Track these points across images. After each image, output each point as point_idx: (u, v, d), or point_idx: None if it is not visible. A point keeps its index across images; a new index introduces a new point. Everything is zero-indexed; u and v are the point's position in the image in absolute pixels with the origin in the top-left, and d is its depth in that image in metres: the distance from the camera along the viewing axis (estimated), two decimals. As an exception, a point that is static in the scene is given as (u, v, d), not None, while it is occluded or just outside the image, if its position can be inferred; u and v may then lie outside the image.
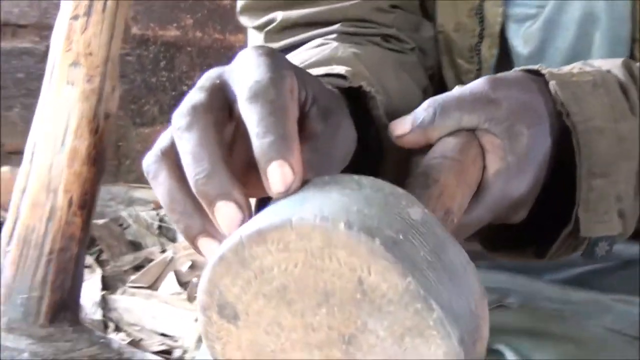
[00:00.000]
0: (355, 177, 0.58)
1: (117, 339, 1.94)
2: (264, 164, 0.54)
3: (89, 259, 2.41)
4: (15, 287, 0.94)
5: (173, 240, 2.59)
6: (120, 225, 2.62)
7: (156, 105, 2.90)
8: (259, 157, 0.54)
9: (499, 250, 0.85)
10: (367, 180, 0.58)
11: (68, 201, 0.96)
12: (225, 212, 0.55)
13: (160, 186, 0.55)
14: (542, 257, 0.78)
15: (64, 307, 0.97)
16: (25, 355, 0.89)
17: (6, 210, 2.84)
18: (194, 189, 0.53)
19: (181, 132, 0.54)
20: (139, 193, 2.73)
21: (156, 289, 2.25)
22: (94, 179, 0.99)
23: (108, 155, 1.01)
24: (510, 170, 0.71)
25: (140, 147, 2.83)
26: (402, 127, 0.68)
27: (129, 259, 2.45)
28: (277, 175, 0.55)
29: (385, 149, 0.76)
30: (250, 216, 0.54)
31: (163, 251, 2.47)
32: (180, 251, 2.47)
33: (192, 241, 0.55)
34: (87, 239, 1.01)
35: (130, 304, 2.17)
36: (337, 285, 0.55)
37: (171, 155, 0.54)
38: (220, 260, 0.54)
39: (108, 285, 2.28)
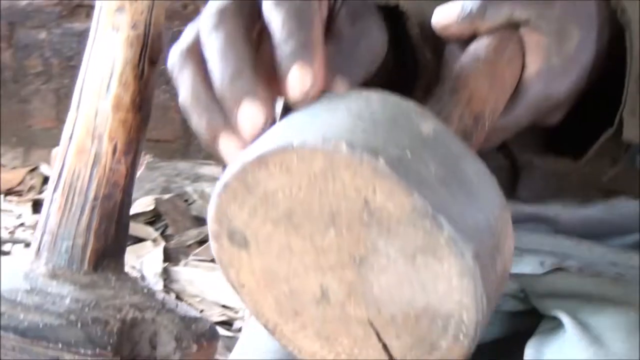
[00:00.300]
0: (364, 92, 0.55)
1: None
2: (283, 70, 0.53)
3: (154, 233, 2.42)
4: (59, 233, 0.94)
5: (237, 215, 2.57)
6: (186, 200, 2.63)
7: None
8: (280, 62, 0.52)
9: (532, 153, 0.82)
10: (376, 96, 0.55)
11: (112, 148, 0.95)
12: (249, 112, 0.53)
13: (184, 82, 0.54)
14: (578, 159, 0.76)
15: (107, 255, 0.96)
16: (67, 301, 0.88)
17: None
18: (219, 88, 0.52)
19: (209, 31, 0.53)
20: (205, 169, 2.73)
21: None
22: (139, 126, 0.98)
23: (151, 104, 1.00)
24: (553, 72, 0.69)
25: (208, 126, 2.83)
26: (447, 17, 0.65)
27: (193, 234, 2.46)
28: (296, 81, 0.54)
29: (421, 71, 0.73)
30: (274, 122, 0.53)
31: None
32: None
33: (214, 141, 0.54)
34: (131, 187, 1.00)
35: (192, 275, 2.18)
36: (343, 207, 0.53)
37: (196, 53, 0.53)
38: (225, 188, 0.53)
39: (171, 257, 2.29)
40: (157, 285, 2.10)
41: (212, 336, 1.00)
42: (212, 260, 2.28)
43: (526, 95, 0.72)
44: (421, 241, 0.52)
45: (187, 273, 2.19)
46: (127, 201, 1.00)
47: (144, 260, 2.20)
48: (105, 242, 0.97)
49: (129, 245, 2.35)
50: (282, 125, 0.53)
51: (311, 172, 0.52)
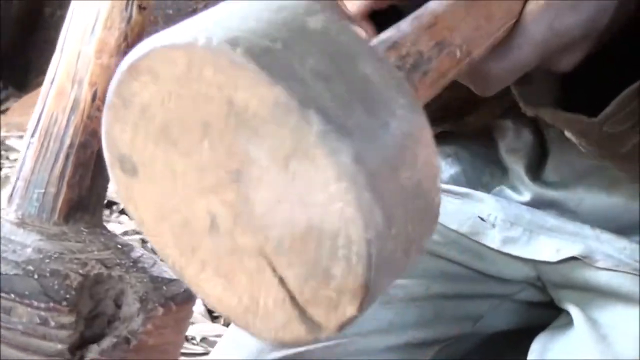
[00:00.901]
0: None
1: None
2: None
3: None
4: (32, 180, 0.90)
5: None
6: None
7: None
8: None
9: (541, 106, 0.73)
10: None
11: (92, 94, 0.90)
12: None
13: None
14: (594, 116, 0.69)
15: (81, 206, 0.91)
16: (29, 250, 0.84)
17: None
18: None
19: None
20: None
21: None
22: (123, 74, 0.93)
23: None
24: (562, 3, 0.62)
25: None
26: None
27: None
28: None
29: None
30: None
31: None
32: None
33: None
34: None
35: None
36: (211, 111, 0.47)
37: None
38: (108, 107, 0.51)
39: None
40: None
41: (185, 300, 0.95)
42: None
43: (528, 30, 0.64)
44: (290, 142, 0.45)
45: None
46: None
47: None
48: (79, 193, 0.93)
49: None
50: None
51: (175, 75, 0.48)
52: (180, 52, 0.47)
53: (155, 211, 0.52)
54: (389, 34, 0.56)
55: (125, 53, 0.94)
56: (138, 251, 0.98)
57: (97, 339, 0.92)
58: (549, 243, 1.12)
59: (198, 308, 1.83)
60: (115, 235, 0.98)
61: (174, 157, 0.50)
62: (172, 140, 0.50)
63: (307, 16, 0.48)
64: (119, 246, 0.95)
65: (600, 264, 1.09)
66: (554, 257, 1.11)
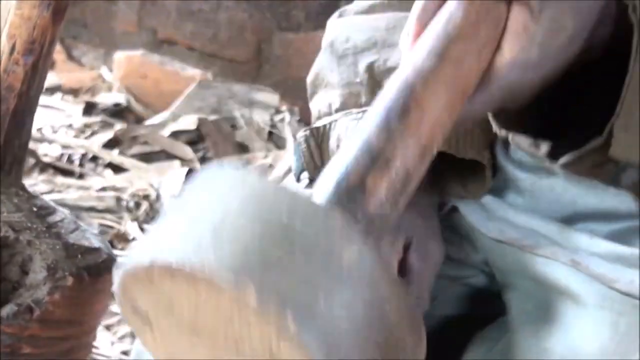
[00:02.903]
0: (291, 202, 0.55)
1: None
2: None
3: (191, 154, 2.35)
4: (-55, 134, 0.84)
5: (281, 148, 2.49)
6: (233, 126, 2.54)
7: (303, 11, 2.79)
8: None
9: (511, 129, 0.77)
10: (303, 207, 0.55)
11: (10, 46, 0.85)
12: None
13: None
14: (555, 158, 0.73)
15: (-6, 165, 0.86)
16: None
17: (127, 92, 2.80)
18: None
19: None
20: (260, 96, 2.63)
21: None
22: (46, 25, 0.88)
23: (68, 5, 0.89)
24: (530, 62, 0.66)
25: (281, 52, 2.74)
26: None
27: (231, 160, 2.38)
28: None
29: None
30: None
31: (266, 157, 2.38)
32: (281, 159, 2.38)
33: None
34: (33, 95, 0.90)
35: (213, 202, 2.09)
36: (247, 342, 0.55)
37: None
38: (131, 270, 0.57)
39: (195, 181, 2.20)
40: (171, 207, 2.02)
41: (102, 270, 0.90)
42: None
43: (494, 84, 0.67)
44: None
45: (208, 199, 2.10)
46: (25, 110, 0.90)
47: (163, 179, 2.13)
48: (-9, 151, 0.87)
49: (155, 162, 2.30)
50: (202, 235, 0.55)
51: (218, 302, 0.54)
52: (227, 294, 0.53)
53: (163, 351, 0.62)
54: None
55: (50, 5, 0.89)
56: (58, 215, 0.93)
57: (-1, 305, 0.87)
58: (495, 225, 1.11)
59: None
60: (34, 197, 0.93)
61: (195, 340, 0.58)
62: (197, 331, 0.57)
63: (340, 249, 0.55)
64: (35, 209, 0.90)
65: (538, 252, 1.08)
66: (498, 237, 1.10)
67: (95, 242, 0.94)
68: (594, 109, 0.76)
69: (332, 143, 1.26)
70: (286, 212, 0.55)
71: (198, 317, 0.57)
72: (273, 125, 2.48)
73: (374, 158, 0.65)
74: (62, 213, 0.94)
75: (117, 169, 2.25)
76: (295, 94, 2.60)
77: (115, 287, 0.61)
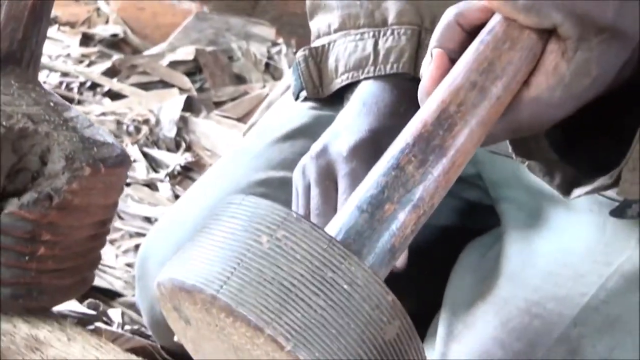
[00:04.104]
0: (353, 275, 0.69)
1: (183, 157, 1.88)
2: None
3: (188, 83, 2.37)
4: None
5: (278, 79, 2.50)
6: (230, 57, 2.56)
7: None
8: None
9: (524, 156, 0.79)
10: (363, 281, 0.68)
11: (29, -57, 0.87)
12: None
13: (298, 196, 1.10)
14: (566, 193, 0.77)
15: (12, 59, 0.89)
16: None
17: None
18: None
19: (314, 184, 1.08)
20: (257, 29, 2.64)
21: (244, 123, 2.19)
22: None
23: None
24: (551, 103, 0.68)
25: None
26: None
27: (228, 91, 2.39)
28: None
29: None
30: None
31: (264, 87, 2.40)
32: (278, 90, 2.40)
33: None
34: (50, -6, 0.92)
35: (211, 129, 2.12)
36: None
37: (307, 189, 1.08)
38: (170, 281, 0.69)
39: (194, 108, 2.23)
40: (171, 132, 2.05)
41: (116, 164, 0.93)
42: (237, 119, 2.22)
43: (514, 116, 0.69)
44: None
45: (206, 126, 2.13)
46: (43, 6, 0.92)
47: (163, 105, 2.15)
48: (10, 45, 0.90)
49: (154, 90, 2.32)
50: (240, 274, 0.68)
51: (233, 338, 0.69)
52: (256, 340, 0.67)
53: (196, 345, 0.75)
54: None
55: None
56: (73, 112, 0.95)
57: (19, 194, 0.90)
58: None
59: (165, 193, 1.82)
60: (50, 94, 0.96)
61: (224, 345, 0.71)
62: (222, 337, 0.70)
63: (385, 327, 0.68)
64: (52, 104, 0.93)
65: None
66: (493, 149, 1.12)
67: (109, 139, 0.97)
68: (611, 127, 0.79)
69: (331, 63, 1.29)
70: (332, 268, 0.67)
71: (226, 335, 0.69)
72: (270, 57, 2.50)
73: (411, 195, 0.73)
74: (76, 111, 0.97)
75: (115, 97, 2.28)
76: (291, 29, 2.61)
77: (160, 285, 0.72)
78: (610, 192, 1.08)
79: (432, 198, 0.75)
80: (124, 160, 0.96)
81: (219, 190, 1.26)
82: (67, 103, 0.98)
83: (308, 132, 1.27)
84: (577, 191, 0.77)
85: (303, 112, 1.32)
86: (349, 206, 0.75)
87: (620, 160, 0.70)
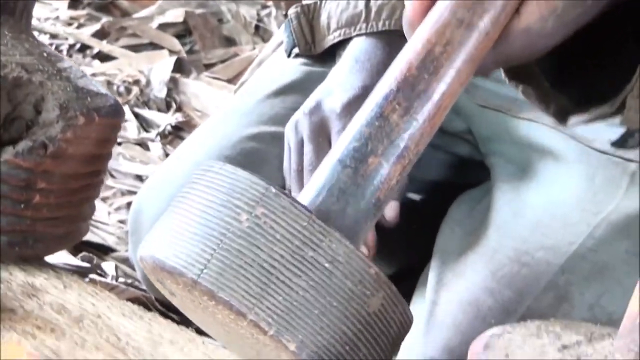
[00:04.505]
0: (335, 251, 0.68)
1: (174, 117, 1.88)
2: None
3: (177, 45, 2.37)
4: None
5: (268, 41, 2.50)
6: (220, 20, 2.55)
7: None
8: None
9: (521, 81, 0.77)
10: (345, 258, 0.68)
11: None
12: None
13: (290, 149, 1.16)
14: (562, 119, 0.76)
15: (5, 9, 0.90)
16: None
17: None
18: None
19: (307, 140, 1.13)
20: (249, -9, 2.64)
21: (234, 84, 2.20)
22: None
23: None
24: (543, 33, 0.66)
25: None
26: None
27: (218, 53, 2.39)
28: None
29: None
30: None
31: (254, 49, 2.40)
32: (269, 48, 2.40)
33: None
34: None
35: (201, 90, 2.12)
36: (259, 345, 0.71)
37: (300, 144, 1.13)
38: (151, 258, 0.72)
39: (184, 70, 2.23)
40: (161, 93, 2.05)
41: (110, 113, 0.94)
42: (227, 80, 2.22)
43: (504, 47, 0.68)
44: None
45: (196, 87, 2.14)
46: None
47: (153, 66, 2.15)
48: (3, -6, 0.90)
49: (143, 52, 2.32)
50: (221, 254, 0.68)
51: (217, 316, 0.71)
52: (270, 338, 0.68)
53: (183, 309, 0.78)
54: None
55: None
56: (66, 62, 0.96)
57: (14, 142, 0.91)
58: (481, 94, 1.15)
59: (156, 152, 1.83)
60: (43, 45, 0.96)
61: (210, 317, 0.73)
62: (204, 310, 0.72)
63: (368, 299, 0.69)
64: (45, 54, 0.93)
65: (521, 115, 1.11)
66: (483, 103, 1.13)
67: (102, 90, 0.98)
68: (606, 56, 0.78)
69: (323, 20, 1.29)
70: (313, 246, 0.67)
71: (209, 313, 0.70)
72: (260, 20, 2.50)
73: (395, 145, 0.72)
74: (70, 62, 0.98)
75: (105, 59, 2.27)
76: (280, -8, 2.61)
77: (142, 259, 0.74)
78: (599, 144, 1.09)
79: (418, 145, 0.73)
80: (118, 111, 0.97)
81: (211, 145, 1.27)
82: (60, 54, 0.98)
83: (300, 87, 1.28)
84: (574, 119, 0.77)
85: (295, 68, 1.33)
86: (331, 160, 0.73)
87: (619, 89, 0.70)
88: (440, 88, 0.70)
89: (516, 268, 1.06)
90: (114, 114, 0.96)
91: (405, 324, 0.71)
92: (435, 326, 1.04)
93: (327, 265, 0.66)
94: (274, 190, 0.68)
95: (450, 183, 1.31)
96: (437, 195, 1.30)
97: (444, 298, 1.08)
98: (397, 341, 0.72)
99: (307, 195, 0.72)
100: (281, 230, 0.66)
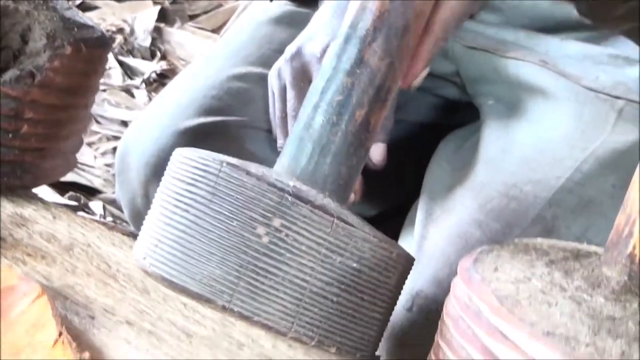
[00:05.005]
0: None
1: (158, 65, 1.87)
2: None
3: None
4: None
5: (252, -8, 2.48)
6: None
7: None
8: None
9: None
10: (370, 253, 0.69)
11: None
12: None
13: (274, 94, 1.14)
14: None
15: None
16: None
17: None
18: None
19: (289, 86, 1.10)
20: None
21: (218, 34, 2.19)
22: None
23: None
24: None
25: None
26: None
27: (202, 4, 2.38)
28: None
29: None
30: None
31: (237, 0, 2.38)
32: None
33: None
34: None
35: (185, 39, 2.11)
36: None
37: (283, 89, 1.12)
38: (165, 281, 0.74)
39: (168, 19, 2.22)
40: (145, 42, 2.04)
41: (98, 44, 0.93)
42: (212, 30, 2.21)
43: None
44: None
45: (181, 36, 2.13)
46: None
47: (137, 15, 2.14)
48: None
49: (126, 1, 2.30)
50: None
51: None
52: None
53: None
54: None
55: None
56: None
57: (1, 72, 0.90)
58: (468, 36, 1.15)
59: (141, 99, 1.83)
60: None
61: None
62: None
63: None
64: (31, -15, 0.93)
65: (509, 54, 1.12)
66: (471, 44, 1.14)
67: (89, 22, 0.97)
68: None
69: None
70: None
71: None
72: (243, -30, 2.49)
73: (378, 92, 0.70)
74: (56, -6, 0.97)
75: (87, 9, 2.26)
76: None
77: (152, 276, 0.73)
78: (588, 82, 1.09)
79: (397, 84, 0.73)
80: (105, 42, 0.96)
81: (198, 85, 1.27)
82: (45, -13, 0.97)
83: (285, 26, 1.28)
84: None
85: (279, 9, 1.33)
86: (317, 118, 0.71)
87: None
88: (422, 18, 0.70)
89: (504, 201, 1.06)
90: (102, 46, 0.96)
91: (407, 273, 0.73)
92: (424, 259, 1.04)
93: (355, 265, 0.66)
94: (290, 198, 0.64)
95: (437, 125, 1.31)
96: (425, 137, 1.30)
97: (433, 232, 1.09)
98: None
99: (300, 160, 0.71)
100: (306, 241, 0.64)
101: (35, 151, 0.94)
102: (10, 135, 0.91)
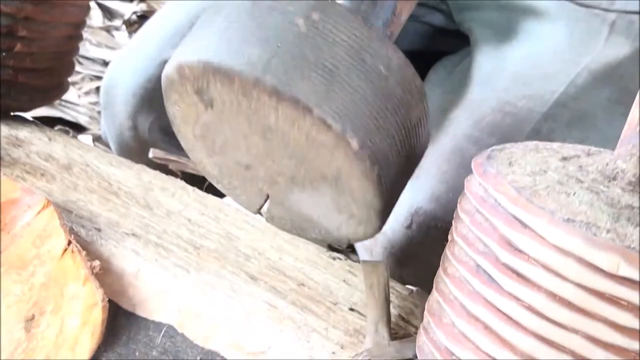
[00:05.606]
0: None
1: (138, 7, 1.85)
2: None
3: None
4: None
5: None
6: None
7: None
8: None
9: None
10: (397, 66, 0.73)
11: None
12: None
13: None
14: None
15: None
16: None
17: None
18: None
19: None
20: None
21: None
22: None
23: None
24: None
25: None
26: None
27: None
28: None
29: None
30: None
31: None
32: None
33: None
34: None
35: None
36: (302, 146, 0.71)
37: None
38: (201, 62, 0.69)
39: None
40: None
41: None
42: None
43: None
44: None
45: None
46: None
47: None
48: None
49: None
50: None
51: (268, 119, 0.70)
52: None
53: (200, 132, 0.76)
54: None
55: None
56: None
57: (-8, -11, 0.89)
58: None
59: (122, 40, 1.80)
60: None
61: (244, 125, 0.72)
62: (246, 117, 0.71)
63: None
64: None
65: None
66: None
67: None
68: None
69: None
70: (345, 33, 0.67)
71: (271, 122, 0.69)
72: None
73: None
74: None
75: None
76: None
77: (182, 66, 0.70)
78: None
79: None
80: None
81: (183, 15, 1.25)
82: None
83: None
84: None
85: None
86: None
87: None
88: None
89: (500, 116, 1.06)
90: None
91: (425, 145, 0.75)
92: (421, 176, 1.04)
93: (383, 70, 0.68)
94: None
95: (425, 52, 1.31)
96: (414, 65, 1.29)
97: (429, 150, 1.09)
98: (417, 162, 0.75)
99: None
100: (341, 34, 0.67)
101: (29, 72, 0.93)
102: (3, 54, 0.89)
